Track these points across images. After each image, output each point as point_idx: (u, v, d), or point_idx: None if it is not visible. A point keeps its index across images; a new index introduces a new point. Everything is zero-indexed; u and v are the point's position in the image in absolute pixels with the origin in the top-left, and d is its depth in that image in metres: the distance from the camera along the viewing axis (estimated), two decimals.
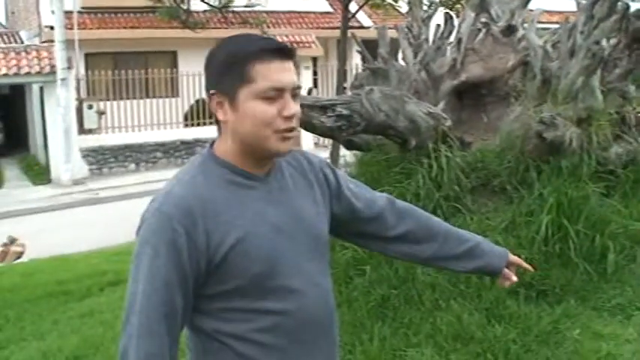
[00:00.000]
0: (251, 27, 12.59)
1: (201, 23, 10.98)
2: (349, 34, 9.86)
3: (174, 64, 21.13)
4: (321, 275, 1.97)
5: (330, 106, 5.03)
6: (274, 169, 1.94)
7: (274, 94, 1.80)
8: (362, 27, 19.11)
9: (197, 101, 19.83)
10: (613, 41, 5.35)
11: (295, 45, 19.50)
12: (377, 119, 5.02)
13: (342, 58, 11.08)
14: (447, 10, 7.55)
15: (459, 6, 11.46)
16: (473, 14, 5.94)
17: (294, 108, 1.82)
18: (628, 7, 5.37)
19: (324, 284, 1.98)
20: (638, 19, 5.38)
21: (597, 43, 5.01)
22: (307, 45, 19.92)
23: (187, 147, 19.32)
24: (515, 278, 2.31)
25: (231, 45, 1.88)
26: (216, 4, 10.53)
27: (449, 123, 5.28)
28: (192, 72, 19.51)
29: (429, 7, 7.24)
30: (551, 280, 4.65)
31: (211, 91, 1.88)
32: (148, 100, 19.49)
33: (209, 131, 18.88)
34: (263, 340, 1.83)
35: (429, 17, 6.35)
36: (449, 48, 6.19)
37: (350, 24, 11.54)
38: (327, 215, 2.06)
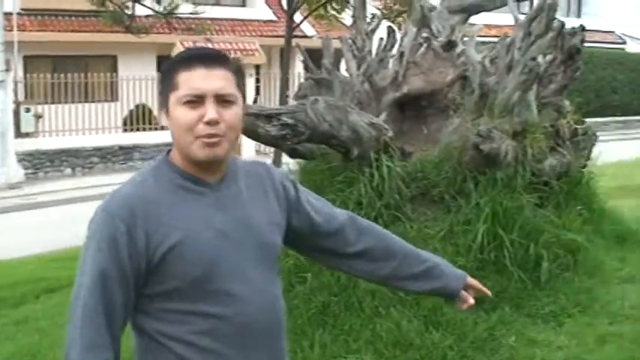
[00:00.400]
0: (195, 34, 12.57)
1: (144, 28, 10.92)
2: (293, 44, 9.94)
3: (114, 69, 20.90)
4: (268, 282, 1.97)
5: (275, 115, 5.11)
6: (228, 178, 1.96)
7: (195, 100, 1.83)
8: (305, 36, 19.21)
9: (137, 106, 19.66)
10: (549, 57, 5.55)
11: (239, 53, 19.55)
12: (321, 129, 5.11)
13: (286, 67, 11.16)
14: (390, 24, 7.69)
15: (400, 19, 11.66)
16: (415, 29, 6.10)
17: (213, 114, 1.83)
18: (564, 24, 5.58)
19: (271, 291, 1.98)
20: (573, 37, 5.61)
21: (534, 59, 5.20)
22: (250, 53, 19.91)
23: (125, 152, 19.09)
24: (472, 301, 2.29)
25: (172, 58, 1.97)
26: (160, 10, 10.48)
27: (390, 133, 5.40)
28: (132, 76, 19.36)
29: (372, 19, 7.35)
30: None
31: (159, 101, 1.99)
32: (86, 105, 19.20)
33: (148, 137, 18.77)
34: (201, 343, 1.85)
35: (373, 30, 6.47)
36: (391, 60, 6.33)
37: (293, 33, 11.62)
38: (281, 227, 2.07)
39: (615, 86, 28.73)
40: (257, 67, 20.94)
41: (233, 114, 1.88)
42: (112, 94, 20.13)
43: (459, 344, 4.40)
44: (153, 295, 1.87)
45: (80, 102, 19.14)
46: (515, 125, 5.27)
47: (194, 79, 1.84)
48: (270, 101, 19.93)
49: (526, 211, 5.18)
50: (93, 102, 19.40)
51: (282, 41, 21.84)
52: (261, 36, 22.27)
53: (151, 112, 19.30)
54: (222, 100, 1.86)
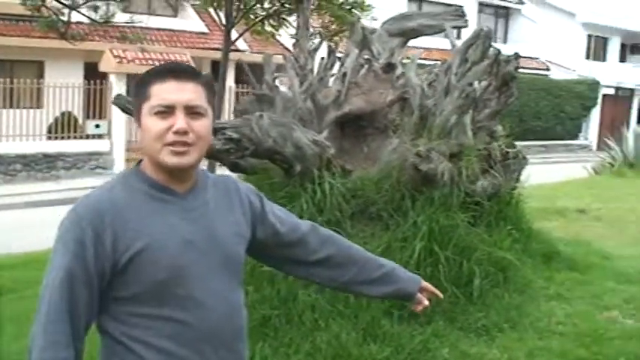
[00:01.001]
0: (129, 42, 12.48)
1: (80, 36, 10.80)
2: (231, 58, 9.99)
3: (40, 75, 20.48)
4: (231, 292, 2.05)
5: (220, 129, 5.20)
6: (197, 189, 2.05)
7: (165, 110, 1.92)
8: (238, 50, 19.25)
9: (62, 114, 19.28)
10: (484, 83, 5.80)
11: None
12: (265, 144, 5.23)
13: (222, 81, 11.18)
14: (330, 44, 7.86)
15: (337, 38, 11.86)
16: (356, 50, 6.27)
17: (182, 124, 1.91)
18: (499, 52, 5.86)
19: (233, 300, 2.06)
20: (507, 64, 5.88)
21: (470, 84, 5.43)
22: None
23: (49, 160, 18.65)
24: (426, 302, 2.43)
25: (146, 71, 2.06)
26: (97, 17, 10.38)
27: (332, 151, 5.55)
28: (59, 83, 19.02)
29: (313, 37, 7.52)
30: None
31: (134, 112, 2.07)
32: (11, 110, 18.74)
33: (73, 145, 18.44)
34: (165, 347, 1.92)
35: (315, 49, 6.63)
36: (331, 80, 6.50)
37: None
38: (246, 239, 2.15)
39: (538, 111, 29.74)
40: None
41: (202, 125, 1.97)
42: (38, 101, 19.71)
43: (395, 356, 4.55)
44: (119, 299, 1.93)
45: (4, 107, 18.67)
46: (452, 147, 5.50)
47: (166, 91, 1.94)
48: None
49: (460, 229, 5.40)
50: (17, 108, 18.94)
51: (213, 54, 21.94)
52: (192, 48, 22.13)
53: (76, 120, 18.97)
54: (192, 112, 1.95)
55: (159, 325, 1.93)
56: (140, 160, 2.06)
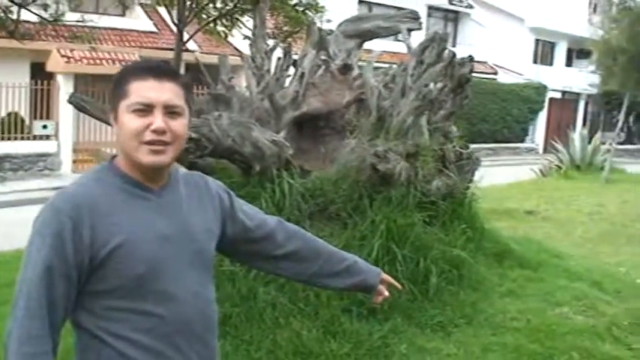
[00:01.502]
0: (79, 42, 12.33)
1: (29, 35, 10.64)
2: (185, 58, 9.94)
3: None
4: (202, 286, 2.09)
5: None
6: (170, 185, 2.08)
7: (143, 108, 1.94)
8: (188, 50, 19.14)
9: (9, 114, 18.91)
10: (439, 85, 5.90)
11: (117, 63, 19.22)
12: (225, 144, 5.25)
13: None
14: (284, 44, 7.91)
15: (290, 39, 11.91)
16: (314, 51, 6.33)
17: (160, 123, 1.93)
18: (454, 54, 5.97)
19: (204, 295, 2.09)
20: (462, 67, 6.00)
21: (426, 86, 5.53)
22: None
23: None
24: (387, 293, 2.52)
25: (124, 67, 2.08)
26: (47, 16, 10.25)
27: (291, 151, 5.59)
28: (4, 83, 18.67)
29: (270, 38, 7.56)
30: None
31: (110, 108, 2.08)
32: None
33: (20, 146, 18.11)
34: (141, 341, 1.95)
35: (272, 50, 6.66)
36: (287, 80, 6.54)
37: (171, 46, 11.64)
38: (216, 234, 2.20)
39: (486, 114, 30.19)
40: None
41: (179, 124, 1.99)
42: None
43: (355, 352, 4.61)
44: (95, 293, 1.94)
45: None
46: (409, 147, 5.58)
47: (145, 89, 1.95)
48: None
49: (417, 228, 5.50)
50: None
51: (162, 53, 21.75)
52: (141, 47, 21.93)
53: (23, 121, 18.63)
54: (170, 112, 1.97)
55: (135, 318, 1.95)
56: (113, 157, 2.07)
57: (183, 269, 2.03)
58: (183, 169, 2.29)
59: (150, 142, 1.94)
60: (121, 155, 2.03)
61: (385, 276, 2.56)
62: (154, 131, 1.93)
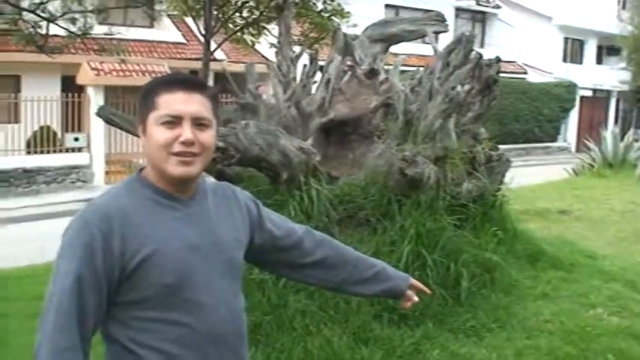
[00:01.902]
0: (108, 54, 12.45)
1: (58, 49, 10.78)
2: (213, 68, 10.00)
3: (17, 89, 20.33)
4: (232, 295, 2.09)
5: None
6: (198, 195, 2.08)
7: (173, 121, 1.95)
8: (216, 60, 19.27)
9: (41, 128, 19.15)
10: (466, 87, 5.86)
11: (147, 75, 19.39)
12: (252, 152, 5.26)
13: None
14: (311, 51, 7.91)
15: (317, 46, 11.92)
16: (339, 57, 6.32)
17: (189, 134, 1.94)
18: (481, 56, 5.93)
19: (234, 304, 2.09)
20: (489, 68, 5.95)
21: (454, 88, 5.49)
22: (159, 75, 19.70)
23: (29, 175, 18.51)
24: (416, 299, 2.50)
25: (153, 80, 2.09)
26: (75, 30, 10.37)
27: (318, 158, 5.59)
28: (36, 97, 18.90)
29: (296, 45, 7.58)
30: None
31: (138, 120, 2.09)
32: None
33: (52, 159, 18.33)
34: (171, 351, 1.94)
35: (298, 57, 6.67)
36: (314, 87, 6.54)
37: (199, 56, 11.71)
38: (244, 244, 2.19)
39: (517, 114, 29.99)
40: None
41: (207, 136, 2.00)
42: (15, 115, 19.58)
43: (387, 358, 4.58)
44: (125, 303, 1.95)
45: None
46: (437, 151, 5.55)
47: (174, 102, 1.97)
48: None
49: (447, 232, 5.47)
50: None
51: (191, 64, 21.94)
52: (169, 58, 22.10)
53: (55, 134, 18.84)
54: (198, 124, 1.98)
55: (164, 329, 1.95)
56: (142, 169, 2.09)
57: (213, 279, 2.03)
58: (211, 179, 2.30)
59: (178, 154, 1.96)
60: (150, 167, 2.05)
61: (414, 281, 2.54)
62: (183, 143, 1.95)
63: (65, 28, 10.42)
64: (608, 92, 35.23)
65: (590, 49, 36.07)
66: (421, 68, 6.66)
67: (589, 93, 34.48)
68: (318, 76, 6.62)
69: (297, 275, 2.47)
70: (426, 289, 2.58)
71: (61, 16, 10.17)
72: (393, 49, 7.05)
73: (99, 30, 11.75)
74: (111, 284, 1.92)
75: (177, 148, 1.95)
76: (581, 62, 35.46)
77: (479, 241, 5.71)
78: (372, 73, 6.38)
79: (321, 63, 6.69)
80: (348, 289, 2.53)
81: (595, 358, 4.70)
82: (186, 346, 1.96)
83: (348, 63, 6.48)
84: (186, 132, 1.95)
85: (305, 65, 6.52)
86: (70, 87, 19.13)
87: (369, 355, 4.57)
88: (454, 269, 5.30)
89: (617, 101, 36.01)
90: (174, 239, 1.97)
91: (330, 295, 4.94)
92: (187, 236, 2.00)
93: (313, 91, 6.51)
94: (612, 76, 30.77)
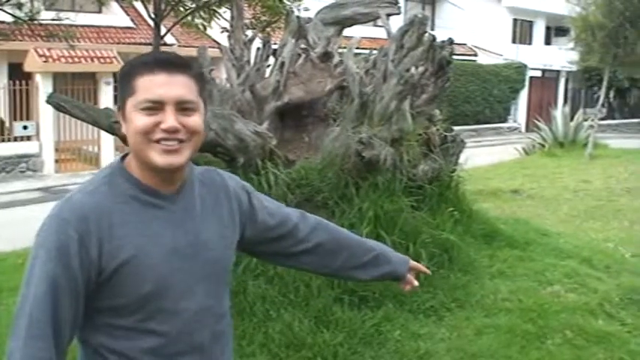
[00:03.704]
0: (57, 40, 12.21)
1: (4, 35, 10.52)
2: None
3: None
4: (214, 299, 1.95)
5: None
6: (184, 189, 1.91)
7: (153, 106, 1.77)
8: (166, 44, 19.03)
9: None
10: (420, 69, 5.86)
11: (96, 60, 19.08)
12: (207, 137, 5.18)
13: None
14: (263, 34, 7.85)
15: (269, 29, 11.84)
16: (293, 40, 6.27)
17: (172, 122, 1.76)
18: (434, 38, 5.94)
19: (215, 309, 1.96)
20: (442, 49, 5.97)
21: (408, 70, 5.49)
22: (108, 60, 19.40)
23: None
24: (416, 283, 2.39)
25: (131, 60, 1.88)
26: (22, 15, 10.12)
27: (274, 142, 5.56)
28: None
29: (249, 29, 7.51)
30: (371, 287, 5.03)
31: (117, 105, 1.91)
32: None
33: (1, 148, 17.93)
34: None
35: (251, 40, 6.60)
36: (267, 70, 6.49)
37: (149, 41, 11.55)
38: (234, 238, 2.06)
39: (468, 96, 30.31)
40: (115, 75, 20.45)
41: (194, 121, 1.82)
42: None
43: (348, 341, 4.59)
44: (101, 309, 1.83)
45: None
46: (393, 133, 5.55)
47: (154, 85, 1.78)
48: None
49: (404, 213, 5.48)
50: None
51: (140, 48, 21.61)
52: (118, 43, 21.78)
53: (3, 122, 18.45)
54: (183, 108, 1.80)
55: (141, 337, 1.83)
56: (124, 155, 1.91)
57: (193, 284, 1.89)
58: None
59: (161, 140, 1.78)
60: (132, 156, 1.86)
61: (413, 263, 2.43)
62: (165, 131, 1.77)
63: (11, 14, 10.18)
64: (557, 72, 35.76)
65: (539, 30, 36.55)
66: (374, 51, 6.63)
67: (538, 73, 34.99)
68: (272, 59, 6.56)
69: (292, 263, 2.35)
70: (426, 269, 2.50)
71: (7, 2, 9.93)
72: (346, 31, 7.01)
73: (46, 15, 11.51)
74: (87, 289, 1.78)
75: (158, 134, 1.77)
76: (530, 43, 35.92)
77: (436, 222, 5.75)
78: (326, 56, 6.36)
79: (274, 46, 6.63)
80: (346, 274, 2.41)
81: (553, 334, 4.78)
82: (160, 355, 1.85)
83: (302, 46, 6.44)
84: (169, 119, 1.77)
85: (258, 49, 6.45)
86: (18, 74, 18.72)
87: (331, 338, 4.57)
88: (413, 250, 5.31)
89: (566, 81, 36.60)
90: (154, 244, 1.82)
91: (290, 280, 4.93)
92: (168, 240, 1.85)
93: (267, 74, 6.45)
94: (561, 57, 31.10)
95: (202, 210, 1.95)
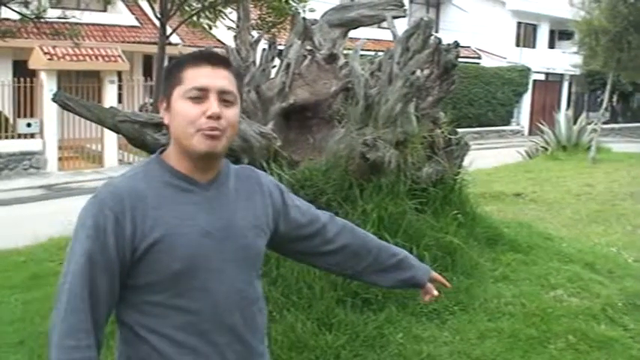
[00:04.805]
0: (62, 38, 12.23)
1: (10, 32, 10.54)
2: (168, 52, 9.88)
3: None
4: (245, 284, 2.05)
5: (165, 124, 5.14)
6: (218, 180, 2.05)
7: (199, 94, 1.93)
8: (171, 44, 19.05)
9: None
10: (426, 72, 5.86)
11: (101, 59, 19.10)
12: None
13: (159, 75, 11.08)
14: (269, 36, 7.86)
15: (274, 30, 11.85)
16: (299, 41, 6.28)
17: (216, 108, 1.92)
18: (440, 41, 5.94)
19: (247, 293, 2.06)
20: (448, 53, 5.97)
21: (414, 72, 5.49)
22: (113, 59, 19.43)
23: None
24: (436, 293, 2.50)
25: (178, 57, 2.08)
26: (28, 13, 10.15)
27: (279, 142, 5.56)
28: None
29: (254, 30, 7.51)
30: (374, 289, 5.02)
31: (160, 97, 2.06)
32: None
33: (4, 145, 17.93)
34: (176, 337, 1.94)
35: (257, 41, 6.61)
36: (273, 71, 6.49)
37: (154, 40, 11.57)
38: (266, 232, 2.16)
39: (471, 99, 30.33)
40: (119, 74, 20.48)
41: (233, 113, 1.99)
42: None
43: (351, 343, 4.59)
44: (135, 287, 1.95)
45: None
46: (398, 135, 5.55)
47: (200, 75, 1.95)
48: (133, 109, 19.52)
49: (408, 215, 5.48)
50: None
51: (145, 47, 21.67)
52: (123, 42, 21.82)
53: (7, 119, 18.47)
54: (224, 99, 1.96)
55: (172, 314, 1.94)
56: (162, 150, 2.06)
57: (224, 266, 2.00)
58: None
59: (206, 129, 1.93)
60: (172, 146, 2.02)
61: (435, 274, 2.53)
62: (210, 117, 1.93)
63: (17, 12, 10.19)
64: (561, 76, 35.75)
65: (543, 34, 36.53)
66: (380, 53, 6.64)
67: (542, 77, 34.98)
68: (277, 61, 6.57)
69: (318, 262, 2.45)
70: (446, 282, 2.58)
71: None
72: (351, 33, 7.02)
73: (52, 14, 11.55)
74: (123, 267, 1.91)
75: (204, 123, 1.93)
76: (534, 46, 35.91)
77: (440, 225, 5.74)
78: (332, 57, 6.36)
79: (279, 47, 6.64)
80: (368, 278, 2.49)
81: (556, 339, 4.78)
82: (191, 332, 1.95)
83: (308, 48, 6.44)
84: (214, 105, 1.93)
85: (264, 50, 6.46)
86: (22, 72, 18.75)
87: (333, 340, 4.57)
88: (416, 252, 5.28)
89: (570, 85, 36.58)
90: (186, 224, 1.95)
91: (293, 281, 4.93)
92: (201, 222, 1.97)
93: (273, 75, 6.45)
94: (565, 60, 31.15)
95: (236, 200, 2.08)
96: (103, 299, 1.89)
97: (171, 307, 1.94)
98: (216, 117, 1.93)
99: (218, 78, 1.97)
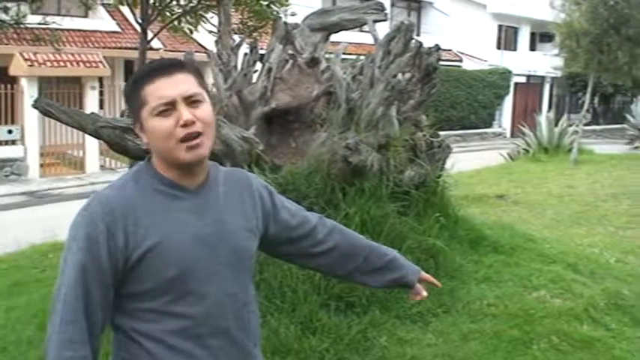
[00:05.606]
0: (45, 44, 12.15)
1: None
2: (149, 57, 9.82)
3: None
4: (238, 287, 2.06)
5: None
6: (207, 184, 2.05)
7: (166, 108, 1.92)
8: (152, 48, 18.97)
9: None
10: (407, 75, 5.89)
11: (82, 64, 19.00)
12: None
13: None
14: (250, 40, 7.86)
15: (256, 34, 11.84)
16: (280, 46, 6.28)
17: (188, 115, 1.91)
18: (421, 44, 5.97)
19: (241, 296, 2.07)
20: (429, 56, 5.99)
21: (395, 76, 5.51)
22: (94, 65, 19.34)
23: None
24: (425, 293, 2.48)
25: (131, 78, 2.05)
26: (7, 19, 10.08)
27: (261, 147, 5.56)
28: None
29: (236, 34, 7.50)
30: (357, 292, 5.03)
31: (132, 121, 2.07)
32: None
33: None
34: (172, 342, 1.95)
35: (238, 45, 6.60)
36: (255, 75, 6.49)
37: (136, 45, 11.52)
38: (256, 233, 2.17)
39: (453, 102, 30.44)
40: (101, 80, 20.38)
41: (204, 111, 1.97)
42: None
43: (335, 347, 4.59)
44: (129, 295, 1.96)
45: None
46: (380, 138, 5.57)
47: (159, 90, 1.93)
48: (115, 114, 19.43)
49: (391, 218, 5.49)
50: None
51: (126, 53, 21.56)
52: (104, 47, 21.71)
53: None
54: (191, 101, 1.95)
55: (167, 320, 1.95)
56: (150, 157, 2.05)
57: (217, 270, 2.01)
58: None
59: (184, 139, 1.92)
60: (157, 158, 2.01)
61: (425, 275, 2.52)
62: (185, 125, 1.91)
63: None
64: (542, 78, 35.96)
65: (524, 36, 36.75)
66: (361, 56, 6.66)
67: (523, 79, 35.17)
68: (259, 65, 6.57)
69: (307, 263, 2.46)
70: (436, 282, 2.57)
71: None
72: (332, 37, 7.03)
73: (33, 19, 11.48)
74: (116, 276, 1.93)
75: (181, 133, 1.92)
76: (515, 49, 36.10)
77: (422, 227, 5.76)
78: (314, 61, 6.37)
79: (261, 52, 6.63)
80: (358, 279, 2.49)
81: (539, 340, 4.80)
82: (187, 337, 1.96)
83: (289, 52, 6.45)
84: (184, 113, 1.92)
85: (245, 54, 6.46)
86: (3, 78, 18.60)
87: (317, 344, 4.57)
88: None
89: (551, 87, 36.80)
90: (178, 231, 1.96)
91: (277, 285, 4.93)
92: (193, 227, 1.98)
93: (254, 80, 6.45)
94: (546, 63, 31.32)
95: (227, 203, 2.09)
96: (97, 309, 1.91)
97: (165, 313, 1.96)
98: (191, 123, 1.92)
99: (178, 85, 1.95)
